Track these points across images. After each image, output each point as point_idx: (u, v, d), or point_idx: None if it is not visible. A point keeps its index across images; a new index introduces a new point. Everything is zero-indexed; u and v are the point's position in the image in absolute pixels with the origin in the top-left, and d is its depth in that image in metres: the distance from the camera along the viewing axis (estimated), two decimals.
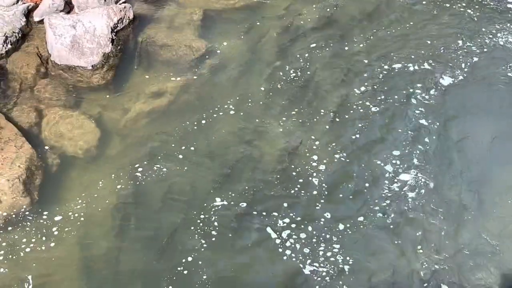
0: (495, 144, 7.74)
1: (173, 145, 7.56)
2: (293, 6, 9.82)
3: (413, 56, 8.94)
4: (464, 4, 9.88)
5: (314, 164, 7.41)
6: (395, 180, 7.26)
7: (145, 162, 7.35)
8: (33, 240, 6.55)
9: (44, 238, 6.57)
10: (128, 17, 9.02)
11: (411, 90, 8.39)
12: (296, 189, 7.14)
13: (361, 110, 8.14)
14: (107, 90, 8.23)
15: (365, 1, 10.00)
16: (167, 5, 9.63)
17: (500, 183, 7.30)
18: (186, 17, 9.38)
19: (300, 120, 7.94)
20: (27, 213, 6.76)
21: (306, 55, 8.95)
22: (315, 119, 7.96)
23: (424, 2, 10.01)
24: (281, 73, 8.61)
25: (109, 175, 7.19)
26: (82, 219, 6.78)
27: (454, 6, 9.92)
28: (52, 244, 6.52)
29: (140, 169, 7.27)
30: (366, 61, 8.86)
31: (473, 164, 7.49)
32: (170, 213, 6.87)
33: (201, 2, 9.67)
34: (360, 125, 7.95)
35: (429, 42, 9.20)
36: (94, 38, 8.52)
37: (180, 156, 7.41)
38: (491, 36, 9.32)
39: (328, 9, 9.82)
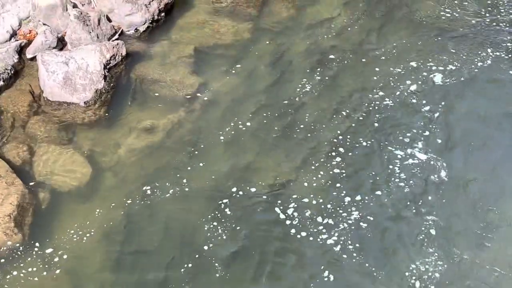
0: None
1: (166, 181, 7.63)
2: (282, 41, 9.92)
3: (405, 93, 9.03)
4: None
5: (305, 203, 7.47)
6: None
7: (137, 198, 7.42)
8: (24, 275, 6.65)
9: (35, 273, 6.68)
10: (121, 53, 9.14)
11: (403, 126, 8.47)
12: (289, 231, 7.19)
13: (354, 148, 8.15)
14: (99, 126, 8.34)
15: (355, 33, 10.07)
16: (160, 41, 9.75)
17: None
18: (178, 54, 9.50)
19: (292, 157, 7.99)
20: (19, 249, 6.87)
21: (297, 89, 9.03)
22: (308, 157, 8.00)
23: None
24: (272, 109, 8.69)
25: (101, 211, 7.28)
26: (74, 255, 6.88)
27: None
28: (44, 280, 6.61)
29: (132, 205, 7.36)
30: (359, 96, 8.92)
31: None
32: (164, 250, 6.95)
33: (193, 39, 9.80)
34: (350, 161, 7.98)
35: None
36: (87, 75, 8.67)
37: (173, 193, 7.47)
38: None
39: (318, 43, 9.93)
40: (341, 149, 8.14)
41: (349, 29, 10.15)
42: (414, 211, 7.39)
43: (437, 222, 7.24)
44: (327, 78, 9.25)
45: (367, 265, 6.85)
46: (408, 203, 7.46)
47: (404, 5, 10.61)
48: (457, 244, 7.06)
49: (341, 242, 7.04)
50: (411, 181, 7.70)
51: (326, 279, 6.73)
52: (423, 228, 7.21)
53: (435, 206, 7.44)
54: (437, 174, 7.78)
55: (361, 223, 7.25)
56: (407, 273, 6.78)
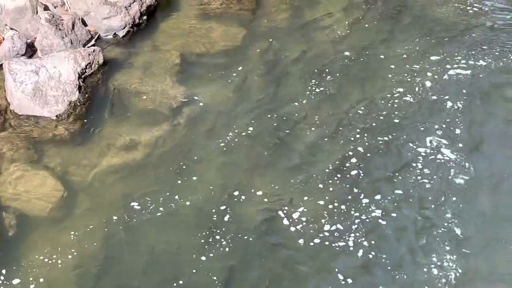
0: None
1: (148, 204, 7.58)
2: (278, 46, 9.99)
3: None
4: None
5: (299, 227, 7.44)
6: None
7: (116, 222, 7.38)
8: None
9: None
10: (98, 61, 9.12)
11: (425, 124, 8.65)
12: (281, 256, 7.20)
13: (352, 173, 8.08)
14: (73, 143, 8.32)
15: (360, 35, 10.20)
16: (142, 48, 9.77)
17: None
18: (162, 62, 9.51)
19: (286, 177, 7.97)
20: None
21: (292, 100, 9.09)
22: (305, 179, 7.97)
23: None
24: (264, 122, 8.71)
25: (75, 237, 7.22)
26: (44, 283, 6.81)
27: None
28: None
29: (110, 231, 7.30)
30: (361, 108, 8.92)
31: None
32: (145, 278, 6.89)
33: (179, 45, 9.82)
34: (346, 187, 7.90)
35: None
36: (59, 85, 8.64)
37: (156, 217, 7.45)
38: None
39: (318, 47, 9.98)
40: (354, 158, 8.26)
41: (352, 31, 10.27)
42: (435, 211, 7.57)
43: (459, 223, 7.41)
44: (330, 86, 9.29)
45: (385, 266, 7.03)
46: (430, 203, 7.65)
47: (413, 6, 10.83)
48: (478, 246, 7.20)
49: (357, 244, 7.22)
50: (433, 180, 7.89)
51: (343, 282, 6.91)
52: (444, 229, 7.36)
53: (457, 207, 7.61)
54: (460, 173, 7.96)
55: (381, 221, 7.44)
56: (425, 276, 6.93)
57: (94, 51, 9.16)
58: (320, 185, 7.90)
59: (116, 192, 7.73)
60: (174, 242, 7.21)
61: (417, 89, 9.23)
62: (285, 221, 7.46)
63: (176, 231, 7.34)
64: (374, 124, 8.66)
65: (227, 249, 7.17)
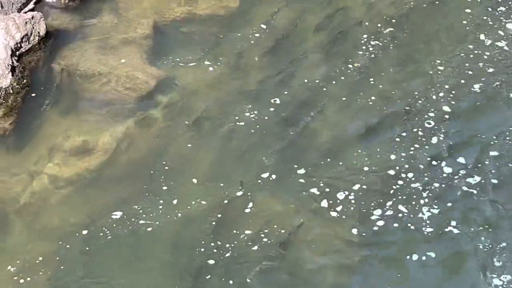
0: None
1: (106, 230, 7.46)
2: (287, 11, 9.99)
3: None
4: None
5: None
6: None
7: (61, 257, 7.24)
8: None
9: None
10: (38, 32, 9.07)
11: None
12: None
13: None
14: (3, 146, 8.26)
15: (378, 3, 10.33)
16: (100, 14, 9.76)
17: None
18: (128, 33, 9.49)
19: (290, 192, 7.94)
20: None
21: (309, 86, 9.10)
22: (314, 195, 7.95)
23: None
24: (264, 117, 8.66)
25: (3, 277, 7.11)
26: None
27: None
28: None
29: (51, 275, 7.15)
30: (381, 88, 9.07)
31: None
32: None
33: (150, 8, 9.83)
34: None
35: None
36: None
37: (119, 247, 7.37)
38: None
39: (343, 12, 10.10)
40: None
41: None
42: None
43: None
44: (358, 66, 9.33)
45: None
46: None
47: None
48: None
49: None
50: None
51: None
52: None
53: None
54: None
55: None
56: None
57: (33, 18, 9.06)
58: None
59: (62, 215, 7.65)
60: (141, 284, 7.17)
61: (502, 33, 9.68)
62: None
63: (146, 273, 7.27)
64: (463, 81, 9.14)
65: None
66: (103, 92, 8.80)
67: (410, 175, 8.09)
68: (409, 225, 7.75)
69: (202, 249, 7.37)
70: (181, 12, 9.87)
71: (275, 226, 7.65)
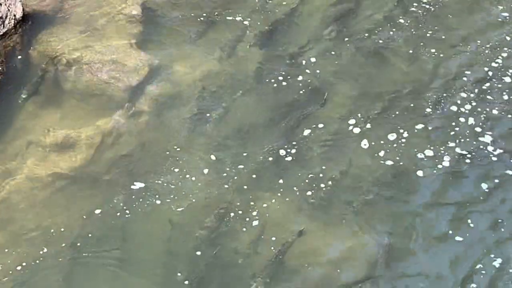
0: None
1: (89, 244, 7.35)
2: None
3: None
4: None
5: None
6: None
7: (38, 266, 7.14)
8: None
9: None
10: (14, 15, 9.08)
11: None
12: None
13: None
14: None
15: None
16: None
17: None
18: (114, 14, 9.49)
19: (296, 202, 7.88)
20: None
21: (314, 73, 9.06)
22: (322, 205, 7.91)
23: None
24: (268, 110, 8.63)
25: None
26: None
27: None
28: None
29: (29, 281, 7.09)
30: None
31: None
32: None
33: None
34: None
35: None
36: None
37: (102, 258, 7.27)
38: None
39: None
40: None
41: None
42: None
43: None
44: (370, 53, 9.38)
45: None
46: None
47: None
48: None
49: None
50: None
51: None
52: None
53: None
54: None
55: None
56: None
57: None
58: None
59: (42, 216, 7.56)
60: None
61: None
62: None
63: (133, 277, 7.25)
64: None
65: None
66: (86, 81, 8.73)
67: None
68: None
69: (193, 256, 7.30)
70: None
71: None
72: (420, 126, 8.72)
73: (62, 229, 7.41)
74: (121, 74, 8.75)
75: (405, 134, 8.52)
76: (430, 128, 8.70)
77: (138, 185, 7.83)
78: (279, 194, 7.95)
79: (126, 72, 8.76)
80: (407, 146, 8.44)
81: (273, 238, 7.60)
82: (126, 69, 8.78)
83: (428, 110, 8.91)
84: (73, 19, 9.35)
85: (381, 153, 8.27)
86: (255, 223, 7.70)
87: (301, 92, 8.87)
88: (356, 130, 8.59)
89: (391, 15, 10.06)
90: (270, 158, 8.21)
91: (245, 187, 7.98)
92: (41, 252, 7.23)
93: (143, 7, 9.52)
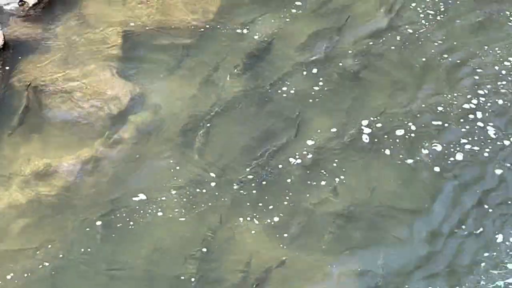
0: None
1: (70, 265, 7.42)
2: (273, 22, 9.91)
3: None
4: None
5: None
6: None
7: None
8: None
9: None
10: None
11: None
12: None
13: None
14: None
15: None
16: (64, 23, 9.64)
17: None
18: (96, 43, 9.42)
19: (282, 233, 7.93)
20: None
21: (278, 102, 9.06)
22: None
23: None
24: (245, 139, 8.66)
25: None
26: None
27: None
28: None
29: None
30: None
31: None
32: None
33: (118, 16, 9.73)
34: None
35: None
36: None
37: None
38: None
39: (335, 30, 10.02)
40: None
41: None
42: None
43: None
44: (349, 82, 9.41)
45: None
46: None
47: None
48: None
49: None
50: None
51: None
52: None
53: None
54: None
55: None
56: None
57: None
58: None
59: (22, 244, 7.57)
60: None
61: None
62: None
63: None
64: None
65: None
66: (67, 110, 8.71)
67: None
68: None
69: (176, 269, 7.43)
70: (153, 21, 9.75)
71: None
72: (397, 162, 8.65)
73: (42, 254, 7.42)
74: (102, 102, 8.74)
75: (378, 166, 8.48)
76: (412, 166, 8.61)
77: (114, 213, 7.85)
78: (257, 222, 7.99)
79: (107, 100, 8.75)
80: (380, 180, 8.41)
81: (253, 266, 7.63)
82: (107, 98, 8.77)
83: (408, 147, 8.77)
84: (54, 47, 9.28)
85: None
86: (235, 251, 7.72)
87: (280, 120, 8.89)
88: (332, 160, 8.61)
89: (370, 47, 9.92)
90: (251, 185, 8.24)
91: (225, 215, 7.98)
92: (25, 275, 7.27)
93: (124, 35, 9.46)
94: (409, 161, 8.87)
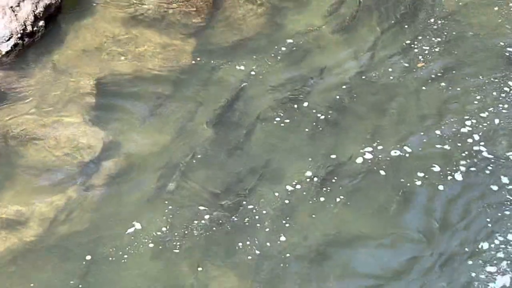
0: None
1: None
2: (246, 69, 9.98)
3: None
4: None
5: None
6: None
7: None
8: None
9: None
10: None
11: None
12: None
13: None
14: None
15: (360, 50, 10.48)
16: (37, 70, 9.63)
17: None
18: (68, 91, 9.36)
19: (248, 276, 7.93)
20: None
21: (252, 154, 9.03)
22: None
23: None
24: (215, 184, 8.63)
25: None
26: None
27: None
28: None
29: None
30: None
31: None
32: None
33: (92, 64, 9.72)
34: None
35: None
36: None
37: None
38: None
39: (303, 70, 10.07)
40: None
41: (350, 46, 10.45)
42: None
43: None
44: (323, 128, 9.35)
45: None
46: None
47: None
48: None
49: None
50: None
51: None
52: None
53: None
54: None
55: None
56: None
57: None
58: None
59: None
60: None
61: None
62: None
63: None
64: None
65: None
66: (40, 158, 8.64)
67: None
68: None
69: None
70: (127, 69, 9.77)
71: None
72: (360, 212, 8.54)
73: None
74: (74, 150, 8.70)
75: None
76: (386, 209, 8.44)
77: (89, 258, 7.78)
78: (229, 268, 8.00)
79: (80, 148, 8.72)
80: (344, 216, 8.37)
81: None
82: (80, 145, 8.73)
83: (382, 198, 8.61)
84: (27, 95, 9.29)
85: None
86: None
87: (251, 166, 8.94)
88: (305, 204, 8.60)
89: (345, 92, 9.91)
90: (221, 229, 8.27)
91: (196, 262, 7.98)
92: None
93: (97, 83, 9.47)
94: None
